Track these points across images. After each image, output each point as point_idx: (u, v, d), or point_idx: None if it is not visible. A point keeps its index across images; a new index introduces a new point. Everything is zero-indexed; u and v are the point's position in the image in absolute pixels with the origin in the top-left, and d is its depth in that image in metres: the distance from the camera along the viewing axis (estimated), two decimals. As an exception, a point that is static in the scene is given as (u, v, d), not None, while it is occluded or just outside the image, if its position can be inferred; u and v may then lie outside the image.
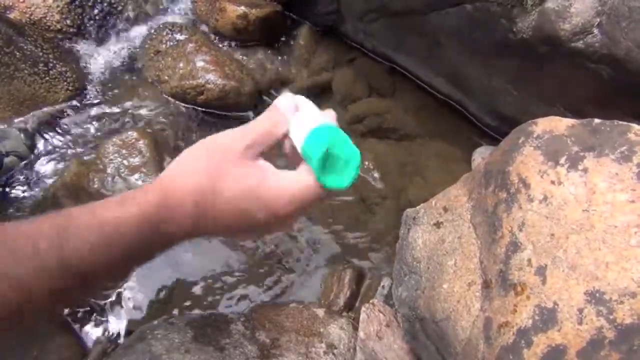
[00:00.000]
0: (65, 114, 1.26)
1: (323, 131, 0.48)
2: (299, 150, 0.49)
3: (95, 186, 1.14)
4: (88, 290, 0.44)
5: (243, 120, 1.28)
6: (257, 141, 0.49)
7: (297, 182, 0.48)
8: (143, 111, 1.29)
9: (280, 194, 0.47)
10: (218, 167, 0.47)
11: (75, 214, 0.41)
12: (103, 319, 1.03)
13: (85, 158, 1.19)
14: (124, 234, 0.42)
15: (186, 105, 1.29)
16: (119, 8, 1.40)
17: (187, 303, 1.05)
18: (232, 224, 0.47)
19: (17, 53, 1.21)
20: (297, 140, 0.50)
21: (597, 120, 0.66)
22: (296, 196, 0.48)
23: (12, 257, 0.38)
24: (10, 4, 1.28)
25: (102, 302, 1.04)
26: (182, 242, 0.47)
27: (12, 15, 1.28)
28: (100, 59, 1.36)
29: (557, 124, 0.69)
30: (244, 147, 0.48)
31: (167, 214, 0.44)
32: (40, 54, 1.24)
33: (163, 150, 1.23)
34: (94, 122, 1.27)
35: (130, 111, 1.29)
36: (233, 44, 1.37)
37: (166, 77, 1.29)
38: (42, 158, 1.20)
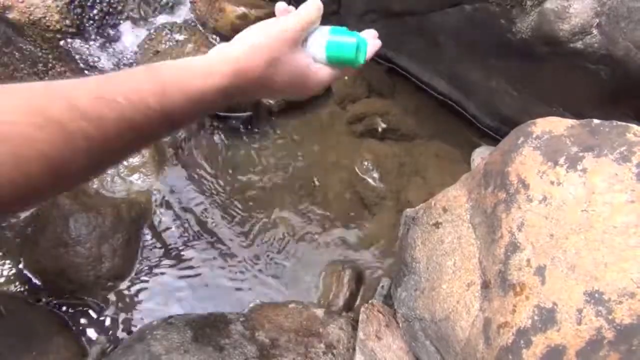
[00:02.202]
0: (64, 114, 1.26)
1: (340, 29, 0.63)
2: (322, 46, 0.62)
3: (95, 186, 1.14)
4: (170, 130, 0.54)
5: (243, 120, 1.29)
6: (305, 28, 0.60)
7: (329, 73, 0.64)
8: (142, 111, 1.29)
9: (320, 78, 0.63)
10: (279, 48, 0.58)
11: (168, 79, 0.49)
12: (102, 319, 1.03)
13: (84, 158, 1.19)
14: (207, 101, 0.52)
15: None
16: (118, 8, 1.40)
17: (187, 303, 1.06)
18: (284, 91, 0.62)
19: (16, 53, 1.21)
20: (318, 38, 0.62)
21: (596, 121, 0.66)
22: (328, 80, 0.64)
23: (132, 106, 0.45)
24: (9, 4, 1.28)
25: (102, 303, 1.04)
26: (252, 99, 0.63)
27: (11, 15, 1.28)
28: (99, 59, 1.36)
29: (556, 125, 0.69)
30: (297, 32, 0.59)
31: (239, 87, 0.55)
32: (40, 54, 1.24)
33: (162, 150, 1.23)
34: (93, 122, 1.27)
35: (129, 111, 1.29)
36: (232, 44, 1.37)
37: (165, 78, 1.29)
38: (42, 158, 1.20)
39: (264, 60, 0.56)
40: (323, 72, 0.63)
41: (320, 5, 0.61)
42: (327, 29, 0.63)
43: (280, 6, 0.64)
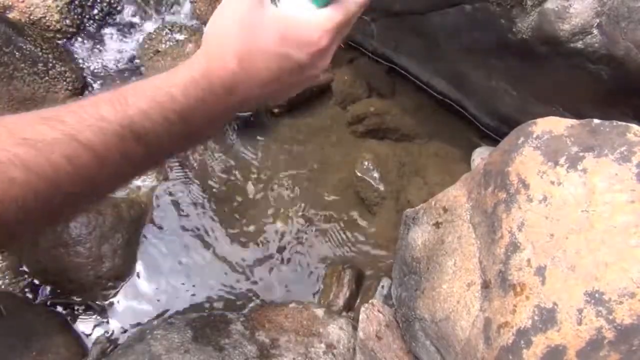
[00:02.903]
0: (64, 114, 1.26)
1: None
2: None
3: (95, 186, 1.14)
4: (153, 159, 0.45)
5: (243, 121, 1.29)
6: None
7: (321, 14, 0.49)
8: (142, 111, 1.29)
9: (312, 27, 0.48)
10: (250, 25, 0.47)
11: (131, 86, 0.43)
12: (103, 319, 1.03)
13: (84, 158, 1.19)
14: (175, 96, 0.43)
15: (186, 105, 1.29)
16: (119, 8, 1.40)
17: (187, 303, 1.05)
18: (277, 71, 0.48)
19: (17, 53, 1.21)
20: None
21: (596, 121, 0.66)
22: (327, 24, 0.49)
23: (79, 121, 0.39)
24: (10, 3, 1.28)
25: (102, 302, 1.04)
26: (233, 109, 0.49)
27: (12, 15, 1.28)
28: (99, 58, 1.36)
29: (556, 124, 0.69)
30: None
31: (211, 72, 0.46)
32: (40, 53, 1.24)
33: (162, 150, 1.23)
34: (93, 122, 1.27)
35: (129, 111, 1.29)
36: (233, 44, 1.37)
37: (166, 77, 1.29)
38: (42, 158, 1.20)
39: (233, 51, 0.46)
40: (316, 18, 0.49)
41: None
42: None
43: None
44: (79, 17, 1.35)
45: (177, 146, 0.47)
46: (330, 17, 0.49)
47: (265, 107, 1.29)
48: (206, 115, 0.46)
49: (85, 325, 1.02)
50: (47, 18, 1.31)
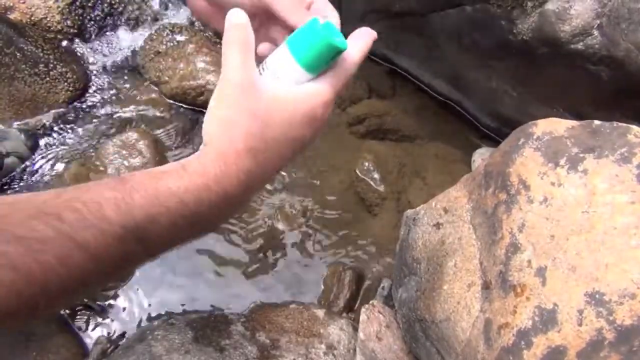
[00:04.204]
0: (65, 114, 1.26)
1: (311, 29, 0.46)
2: (286, 50, 0.47)
3: (96, 187, 1.14)
4: (151, 256, 0.42)
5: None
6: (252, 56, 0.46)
7: (320, 86, 0.47)
8: (143, 112, 1.29)
9: (314, 102, 0.46)
10: (254, 106, 0.44)
11: (140, 181, 0.40)
12: (103, 319, 1.03)
13: (85, 159, 1.19)
14: (187, 203, 0.41)
15: (186, 106, 1.29)
16: (120, 9, 1.40)
17: (187, 304, 1.05)
18: (288, 155, 0.47)
19: (18, 54, 1.21)
20: (277, 52, 0.48)
21: (596, 122, 0.66)
22: (328, 95, 0.47)
23: (78, 220, 0.36)
24: (11, 4, 1.28)
25: (102, 303, 1.04)
26: (242, 205, 0.46)
27: (13, 16, 1.28)
28: (100, 59, 1.36)
29: (557, 126, 0.69)
30: (254, 74, 0.45)
31: (226, 177, 0.42)
32: (41, 54, 1.24)
33: (163, 151, 1.23)
34: (94, 123, 1.27)
35: (130, 112, 1.29)
36: (233, 45, 1.37)
37: (166, 78, 1.29)
38: (43, 159, 1.20)
39: (247, 148, 0.43)
40: (316, 90, 0.46)
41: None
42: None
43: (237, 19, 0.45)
44: (80, 18, 1.35)
45: (178, 244, 0.44)
46: (329, 87, 0.47)
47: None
48: (216, 216, 0.44)
49: (85, 326, 1.02)
50: (48, 19, 1.31)
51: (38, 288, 0.34)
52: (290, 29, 0.49)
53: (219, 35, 1.38)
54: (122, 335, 1.01)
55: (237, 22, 0.45)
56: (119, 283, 1.06)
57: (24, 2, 1.29)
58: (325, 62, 0.47)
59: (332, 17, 0.51)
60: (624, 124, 0.64)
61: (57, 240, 0.35)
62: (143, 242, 0.39)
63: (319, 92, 0.46)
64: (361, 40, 0.49)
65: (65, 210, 0.36)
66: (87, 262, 0.36)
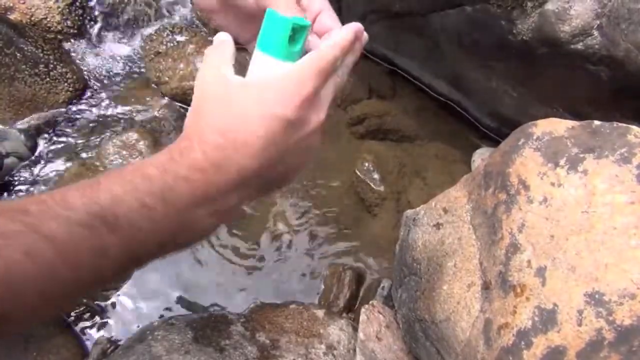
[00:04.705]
0: (65, 115, 1.27)
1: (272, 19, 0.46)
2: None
3: (96, 187, 1.14)
4: (134, 254, 0.38)
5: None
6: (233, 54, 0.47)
7: (293, 65, 0.44)
8: (143, 112, 1.29)
9: (287, 79, 0.43)
10: (221, 93, 0.43)
11: (109, 171, 0.39)
12: (103, 319, 1.03)
13: (85, 159, 1.19)
14: (152, 175, 0.39)
15: (186, 106, 1.29)
16: (120, 9, 1.40)
17: (187, 304, 1.06)
18: (267, 136, 0.42)
19: (18, 54, 1.21)
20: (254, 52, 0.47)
21: (596, 122, 0.66)
22: (304, 72, 0.43)
23: (43, 211, 0.34)
24: (11, 5, 1.28)
25: (102, 303, 1.04)
26: (232, 192, 0.42)
27: (13, 16, 1.28)
28: (100, 60, 1.37)
29: (556, 126, 0.69)
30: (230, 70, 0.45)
31: (192, 149, 0.41)
32: (41, 55, 1.24)
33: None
34: (94, 123, 1.27)
35: (130, 112, 1.29)
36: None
37: (166, 78, 1.29)
38: (43, 159, 1.20)
39: (212, 127, 0.42)
40: (289, 70, 0.44)
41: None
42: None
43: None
44: (80, 18, 1.35)
45: (164, 239, 0.40)
46: (305, 64, 0.44)
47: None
48: (195, 197, 0.40)
49: (85, 326, 1.02)
50: (48, 19, 1.31)
51: (2, 286, 0.32)
52: None
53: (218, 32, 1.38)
54: (122, 335, 1.01)
55: (221, 39, 0.49)
56: (119, 282, 1.06)
57: (24, 3, 1.29)
58: (284, 41, 0.46)
59: (329, 15, 0.50)
60: (624, 124, 0.64)
61: (22, 233, 0.33)
62: (115, 230, 0.36)
63: (290, 70, 0.44)
64: (345, 30, 0.48)
65: (31, 204, 0.34)
66: (56, 255, 0.33)
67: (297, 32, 0.47)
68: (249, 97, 0.42)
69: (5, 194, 1.15)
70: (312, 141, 0.45)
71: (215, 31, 1.38)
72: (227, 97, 0.43)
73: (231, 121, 0.42)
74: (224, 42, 0.49)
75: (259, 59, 0.47)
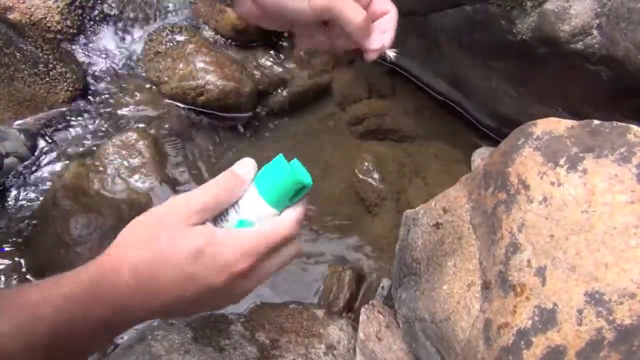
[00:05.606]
0: (65, 114, 1.26)
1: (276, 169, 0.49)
2: (254, 190, 0.48)
3: (95, 187, 1.14)
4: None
5: (243, 121, 1.29)
6: (208, 206, 0.45)
7: (255, 230, 0.45)
8: (143, 112, 1.29)
9: (233, 247, 0.43)
10: (161, 234, 0.42)
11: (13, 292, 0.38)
12: (103, 319, 1.03)
13: (85, 159, 1.19)
14: (43, 317, 0.37)
15: (186, 106, 1.29)
16: (119, 9, 1.40)
17: (187, 304, 1.05)
18: (183, 293, 0.41)
19: (17, 54, 1.21)
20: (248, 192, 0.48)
21: (596, 122, 0.66)
22: (253, 245, 0.43)
23: None
24: (10, 5, 1.28)
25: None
26: (124, 326, 0.43)
27: (12, 16, 1.28)
28: (100, 60, 1.36)
29: (556, 125, 0.69)
30: (193, 212, 0.44)
31: (99, 288, 0.39)
32: (41, 54, 1.24)
33: (162, 151, 1.23)
34: (93, 123, 1.27)
35: (130, 112, 1.29)
36: (233, 45, 1.38)
37: (166, 78, 1.29)
38: (42, 159, 1.20)
39: (136, 252, 0.42)
40: (240, 236, 0.44)
41: (235, 185, 0.47)
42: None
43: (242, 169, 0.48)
44: (80, 18, 1.35)
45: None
46: (256, 236, 0.44)
47: (265, 107, 1.29)
48: (85, 338, 0.39)
49: (85, 326, 1.02)
50: (47, 19, 1.31)
51: None
52: (350, 30, 0.51)
53: (218, 35, 1.38)
54: (123, 335, 1.01)
55: (233, 183, 0.47)
56: None
57: (23, 2, 1.29)
58: (285, 198, 0.48)
59: (392, 11, 0.54)
60: (624, 124, 0.64)
61: None
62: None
63: (241, 237, 0.44)
64: (298, 208, 0.50)
65: None
66: None
67: (300, 191, 0.49)
68: (190, 244, 0.42)
69: (5, 194, 1.15)
70: (230, 303, 0.47)
71: (215, 31, 1.38)
72: (168, 228, 0.43)
73: (153, 259, 0.41)
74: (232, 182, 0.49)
75: (254, 200, 0.47)
